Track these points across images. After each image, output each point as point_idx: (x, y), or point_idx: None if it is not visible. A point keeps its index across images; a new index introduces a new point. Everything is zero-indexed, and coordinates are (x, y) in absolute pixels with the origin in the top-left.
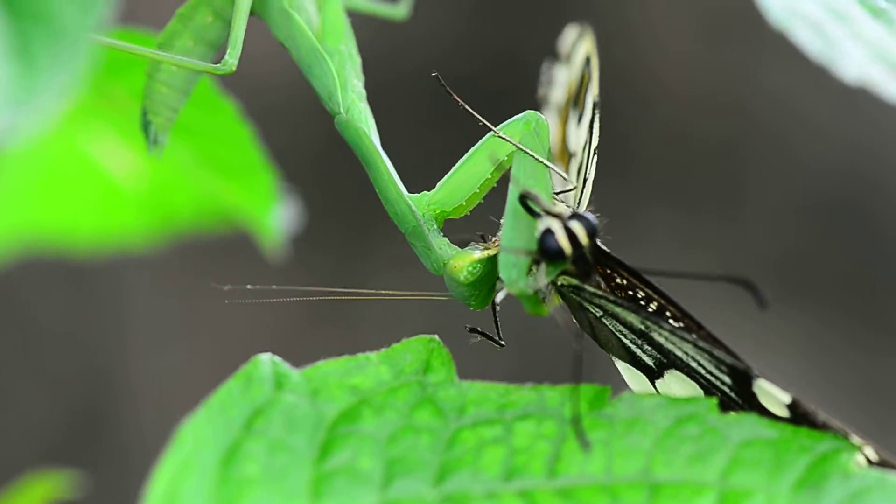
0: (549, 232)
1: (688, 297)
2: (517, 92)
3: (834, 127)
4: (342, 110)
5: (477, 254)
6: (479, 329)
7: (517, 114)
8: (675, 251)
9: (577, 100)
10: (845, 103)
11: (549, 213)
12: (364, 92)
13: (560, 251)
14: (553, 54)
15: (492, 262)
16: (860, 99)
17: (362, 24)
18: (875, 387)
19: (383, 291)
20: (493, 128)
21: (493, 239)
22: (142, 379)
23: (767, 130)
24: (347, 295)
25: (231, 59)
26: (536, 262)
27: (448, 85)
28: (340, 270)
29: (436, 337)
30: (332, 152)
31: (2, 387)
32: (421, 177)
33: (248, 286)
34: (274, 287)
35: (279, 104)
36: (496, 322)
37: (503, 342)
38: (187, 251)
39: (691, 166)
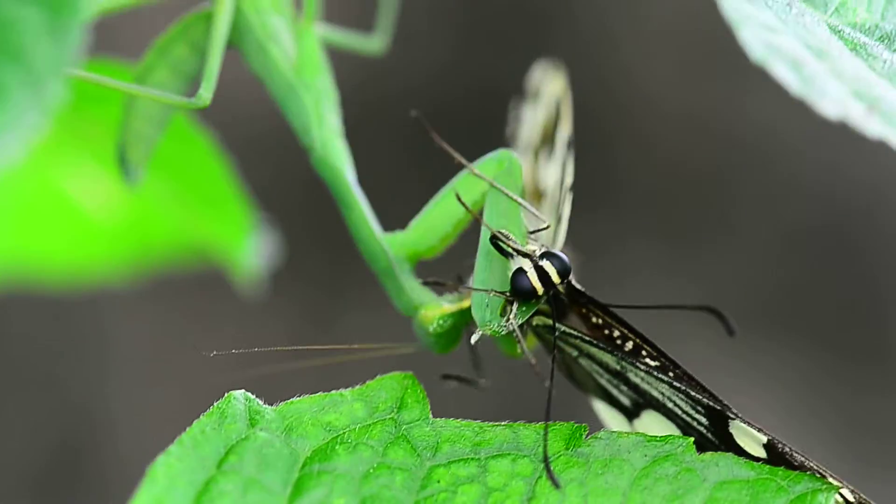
0: (520, 271)
1: (673, 333)
2: (499, 122)
3: (824, 157)
4: (318, 146)
5: (447, 306)
6: (452, 375)
7: (498, 145)
8: (662, 282)
9: (549, 138)
10: (835, 133)
11: (520, 253)
12: (341, 128)
13: (532, 291)
14: (520, 92)
15: (462, 313)
16: (850, 130)
17: (345, 49)
18: (859, 422)
19: (353, 346)
20: (467, 164)
21: (464, 289)
22: (122, 413)
23: (756, 160)
24: (317, 351)
25: (205, 94)
26: (510, 303)
27: (429, 115)
28: (321, 302)
29: (410, 374)
30: (319, 183)
31: None
32: (403, 205)
33: (233, 350)
34: (255, 349)
35: (263, 134)
36: (476, 362)
37: (484, 380)
38: (167, 285)
39: (680, 196)
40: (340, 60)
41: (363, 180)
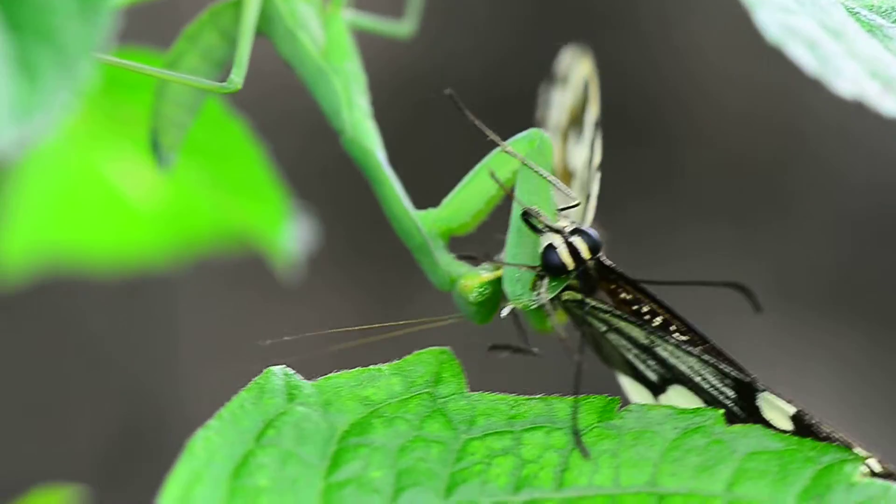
0: (551, 247)
1: (737, 317)
2: None
3: (881, 145)
4: (348, 128)
5: (485, 274)
6: (501, 345)
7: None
8: (722, 266)
9: (577, 120)
10: (891, 121)
11: (551, 229)
12: (370, 109)
13: (562, 266)
14: (549, 76)
15: (500, 281)
16: None
17: (414, 39)
18: None
19: (394, 323)
20: (500, 142)
21: (501, 258)
22: (192, 395)
23: (815, 148)
24: (358, 331)
25: (236, 78)
26: (540, 278)
27: (487, 105)
28: (392, 284)
29: (447, 349)
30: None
31: (54, 401)
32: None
33: (286, 337)
34: (305, 334)
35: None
36: (523, 333)
37: (536, 350)
38: (239, 267)
39: (740, 182)
40: (402, 51)
41: (422, 170)
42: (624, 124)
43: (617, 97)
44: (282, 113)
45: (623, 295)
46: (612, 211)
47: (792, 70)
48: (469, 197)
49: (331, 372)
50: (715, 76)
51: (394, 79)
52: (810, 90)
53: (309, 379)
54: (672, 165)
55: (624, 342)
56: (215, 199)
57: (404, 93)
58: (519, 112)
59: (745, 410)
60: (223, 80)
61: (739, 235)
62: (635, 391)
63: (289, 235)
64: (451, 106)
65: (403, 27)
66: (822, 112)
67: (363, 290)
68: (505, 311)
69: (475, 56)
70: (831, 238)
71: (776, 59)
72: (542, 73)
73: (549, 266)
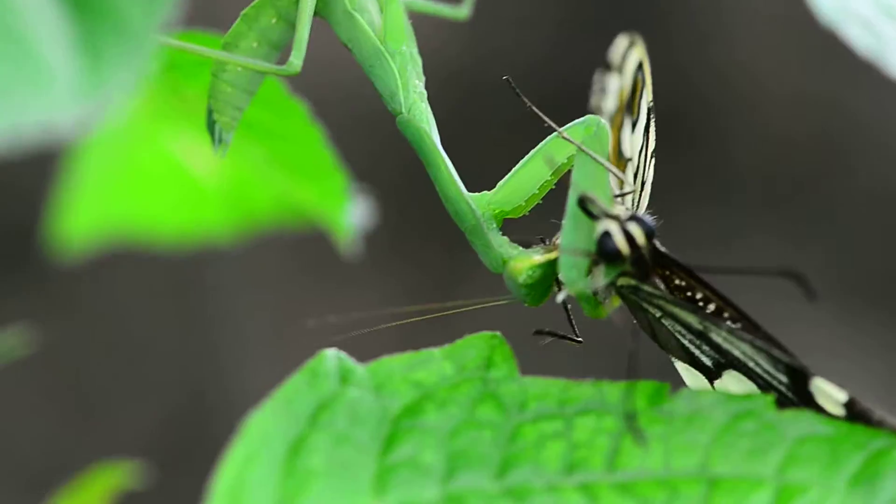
0: (607, 234)
1: (789, 305)
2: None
3: None
4: (404, 110)
5: (537, 257)
6: (546, 330)
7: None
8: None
9: (630, 106)
10: None
11: (607, 216)
12: (425, 92)
13: (618, 252)
14: (604, 64)
15: (551, 264)
16: None
17: (457, 32)
18: None
19: (447, 303)
20: (556, 128)
21: (553, 241)
22: (238, 387)
23: (872, 144)
24: (412, 314)
25: (296, 61)
26: (595, 264)
27: (541, 90)
28: (443, 264)
29: (498, 333)
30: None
31: (99, 396)
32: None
33: (331, 316)
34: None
35: (378, 113)
36: (570, 320)
37: (580, 338)
38: (285, 258)
39: (794, 181)
40: (444, 44)
41: (469, 161)
42: (678, 126)
43: (669, 97)
44: (325, 98)
45: (677, 281)
46: (667, 214)
47: (848, 70)
48: (523, 181)
49: (378, 354)
50: (775, 75)
51: (438, 71)
52: (871, 93)
53: (360, 361)
54: (727, 169)
55: (679, 328)
56: (276, 177)
57: (447, 86)
58: (564, 105)
59: (798, 396)
60: (281, 63)
61: (794, 234)
62: (691, 377)
63: (349, 214)
64: (491, 101)
65: (461, 10)
66: (884, 115)
67: (414, 270)
68: (560, 297)
69: (519, 51)
70: (883, 242)
71: (838, 62)
72: (588, 68)
73: (604, 252)
